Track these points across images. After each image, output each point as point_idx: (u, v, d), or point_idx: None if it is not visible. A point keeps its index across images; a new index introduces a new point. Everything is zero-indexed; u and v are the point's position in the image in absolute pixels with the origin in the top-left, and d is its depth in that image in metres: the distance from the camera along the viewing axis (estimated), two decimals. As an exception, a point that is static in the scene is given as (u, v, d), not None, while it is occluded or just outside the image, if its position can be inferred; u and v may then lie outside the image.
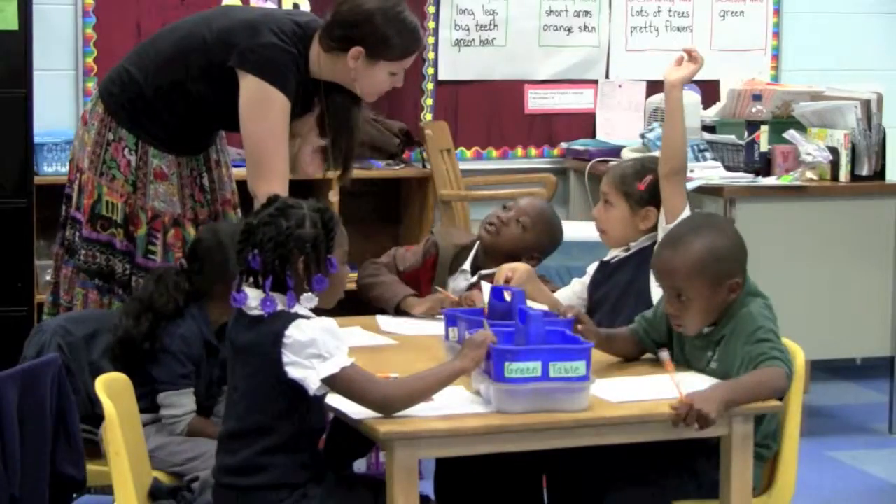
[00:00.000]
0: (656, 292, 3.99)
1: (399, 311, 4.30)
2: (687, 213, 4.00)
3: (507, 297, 3.63)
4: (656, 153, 5.88)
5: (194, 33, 4.25)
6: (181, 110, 4.24)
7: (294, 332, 3.20)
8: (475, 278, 4.42)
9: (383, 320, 4.24)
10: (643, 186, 4.07)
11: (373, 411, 3.20)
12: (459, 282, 4.45)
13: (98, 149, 4.31)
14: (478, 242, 4.48)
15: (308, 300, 3.28)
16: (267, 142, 4.12)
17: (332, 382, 3.18)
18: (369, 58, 4.14)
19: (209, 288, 3.96)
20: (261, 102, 4.10)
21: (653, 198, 4.07)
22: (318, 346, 3.18)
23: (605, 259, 4.19)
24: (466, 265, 4.46)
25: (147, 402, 3.82)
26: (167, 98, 4.23)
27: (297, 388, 3.20)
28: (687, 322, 3.60)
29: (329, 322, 3.27)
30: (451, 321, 3.64)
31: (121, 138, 4.29)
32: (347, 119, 4.34)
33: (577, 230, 5.69)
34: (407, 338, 4.04)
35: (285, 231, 3.26)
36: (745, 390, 3.37)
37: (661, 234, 3.99)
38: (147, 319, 3.89)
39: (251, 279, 3.28)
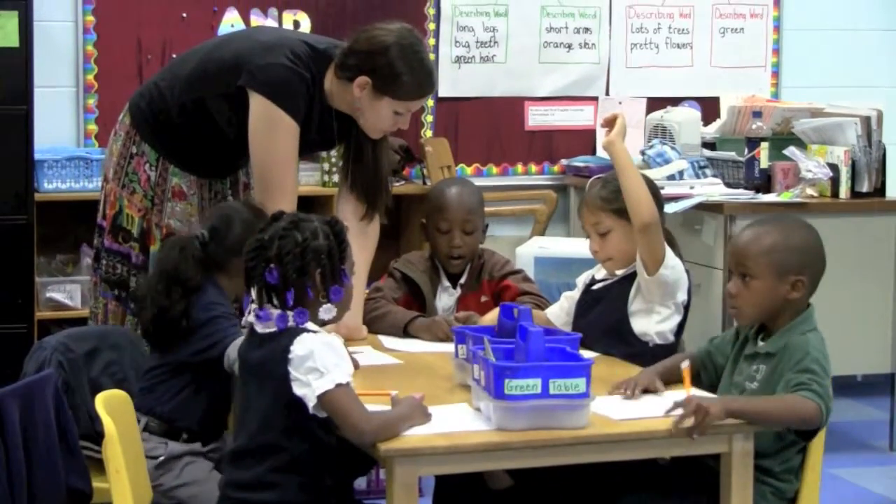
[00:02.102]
0: (634, 321, 3.99)
1: (407, 334, 4.29)
2: (670, 259, 3.96)
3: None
4: (655, 170, 5.92)
5: (216, 53, 4.25)
6: (202, 131, 4.23)
7: (297, 346, 3.21)
8: (458, 290, 4.45)
9: (386, 339, 4.24)
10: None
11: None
12: (444, 299, 4.45)
13: (122, 161, 4.34)
14: (430, 254, 4.50)
15: (327, 311, 3.30)
16: (275, 162, 4.10)
17: (324, 401, 3.18)
18: (375, 90, 4.08)
19: (226, 262, 3.84)
20: (268, 122, 4.08)
21: None
22: (315, 359, 3.18)
23: (591, 284, 4.17)
24: (445, 281, 4.47)
25: (187, 420, 3.80)
26: (189, 117, 4.23)
27: (303, 405, 3.21)
28: (743, 305, 3.56)
29: (332, 338, 3.28)
30: (460, 338, 3.64)
31: (143, 153, 4.30)
32: (363, 155, 4.29)
33: (577, 247, 5.69)
34: (411, 355, 4.04)
35: (302, 244, 3.28)
36: (760, 407, 3.36)
37: (643, 285, 3.98)
38: (177, 294, 3.77)
39: (268, 295, 3.28)
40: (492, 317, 4.00)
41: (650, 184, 4.10)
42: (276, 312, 3.27)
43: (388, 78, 4.07)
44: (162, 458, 3.73)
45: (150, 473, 3.71)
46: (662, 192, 4.28)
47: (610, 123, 4.08)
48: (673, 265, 3.95)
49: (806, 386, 3.39)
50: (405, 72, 4.07)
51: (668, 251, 3.95)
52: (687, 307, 4.03)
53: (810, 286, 3.57)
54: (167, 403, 3.76)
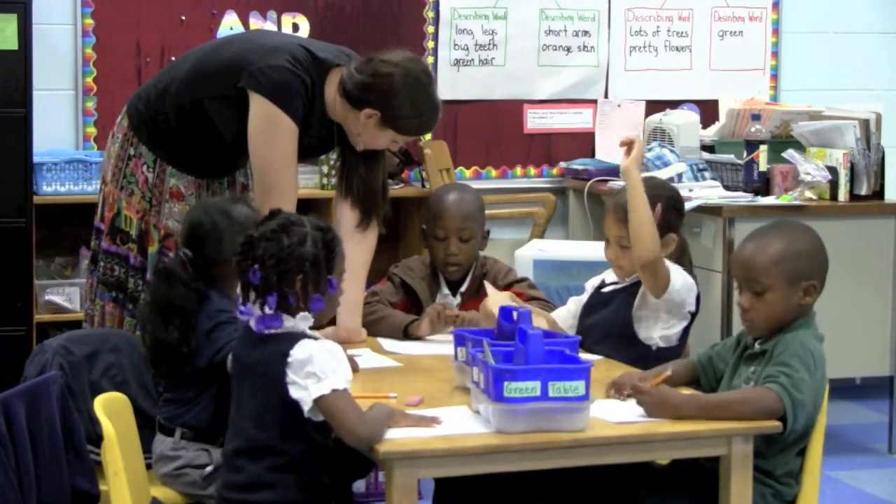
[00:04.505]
0: (639, 327, 3.99)
1: (407, 335, 4.29)
2: (677, 282, 3.95)
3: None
4: (654, 173, 5.92)
5: (215, 55, 4.25)
6: (199, 132, 4.23)
7: (297, 351, 3.21)
8: (458, 298, 4.45)
9: (386, 341, 4.24)
10: (658, 217, 4.00)
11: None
12: None
13: (120, 163, 4.34)
14: (430, 260, 4.50)
15: (304, 319, 3.29)
16: (274, 163, 4.09)
17: (321, 404, 3.18)
18: (381, 122, 4.09)
19: (219, 270, 3.77)
20: (267, 124, 4.08)
21: (669, 224, 4.06)
22: (314, 364, 3.18)
23: (600, 286, 4.17)
24: (444, 289, 4.47)
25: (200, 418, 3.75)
26: (187, 118, 4.23)
27: (298, 408, 3.21)
28: (757, 318, 3.55)
29: (332, 345, 3.27)
30: (459, 341, 3.64)
31: (140, 154, 4.31)
32: (360, 165, 4.28)
33: (576, 250, 5.69)
34: (410, 358, 4.04)
35: (287, 248, 3.26)
36: (716, 405, 3.38)
37: (650, 300, 3.98)
38: (175, 326, 3.71)
39: (252, 294, 3.28)
40: (493, 300, 4.02)
41: (672, 191, 4.12)
42: (257, 313, 3.27)
43: (396, 118, 4.08)
44: (210, 469, 3.69)
45: (196, 483, 3.71)
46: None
47: (628, 145, 4.05)
48: (679, 287, 3.94)
49: (773, 378, 3.40)
50: (413, 114, 4.09)
51: (675, 273, 3.95)
52: (695, 314, 4.04)
53: (820, 288, 3.58)
54: (193, 412, 3.74)
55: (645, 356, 3.91)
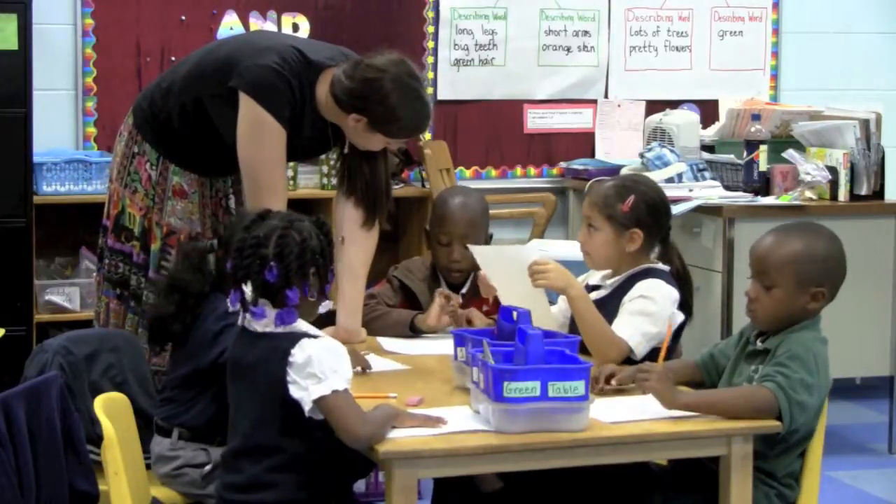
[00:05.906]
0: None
1: (414, 329, 4.29)
2: (651, 329, 3.87)
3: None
4: (654, 173, 5.92)
5: (212, 54, 4.26)
6: (201, 130, 4.24)
7: (298, 351, 3.22)
8: (459, 299, 4.43)
9: (385, 341, 4.24)
10: (626, 208, 3.96)
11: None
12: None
13: (125, 161, 4.37)
14: (431, 261, 4.50)
15: (325, 306, 3.36)
16: (262, 162, 4.09)
17: (321, 405, 3.18)
18: (371, 126, 4.07)
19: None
20: (253, 123, 4.07)
21: (638, 219, 3.97)
22: (314, 365, 3.19)
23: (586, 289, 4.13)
24: (444, 289, 4.45)
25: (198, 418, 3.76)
26: (189, 117, 4.24)
27: (299, 407, 3.21)
28: (760, 310, 3.55)
29: (334, 343, 3.28)
30: (459, 341, 3.64)
31: (144, 152, 4.33)
32: (363, 163, 4.27)
33: (576, 249, 5.67)
34: (410, 358, 4.03)
35: (301, 244, 3.29)
36: (712, 400, 3.39)
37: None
38: (173, 300, 3.75)
39: (259, 293, 3.28)
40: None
41: (648, 189, 4.09)
42: (272, 311, 3.28)
43: (385, 121, 4.06)
44: (209, 468, 3.70)
45: (195, 483, 3.72)
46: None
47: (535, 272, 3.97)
48: (655, 332, 3.88)
49: (770, 378, 3.40)
50: (403, 117, 4.05)
51: (659, 294, 3.92)
52: (688, 313, 4.02)
53: (829, 297, 3.57)
54: (191, 413, 3.74)
55: (631, 360, 3.87)
